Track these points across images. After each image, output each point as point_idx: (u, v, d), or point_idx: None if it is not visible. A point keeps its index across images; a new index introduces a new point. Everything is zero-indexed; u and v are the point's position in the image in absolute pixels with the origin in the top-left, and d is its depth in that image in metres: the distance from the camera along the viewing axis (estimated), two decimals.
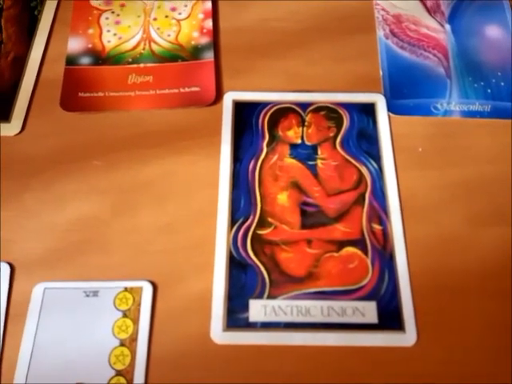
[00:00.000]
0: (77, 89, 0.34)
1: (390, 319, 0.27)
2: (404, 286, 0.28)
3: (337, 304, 0.27)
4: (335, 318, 0.27)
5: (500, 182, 0.31)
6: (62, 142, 0.32)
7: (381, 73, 0.35)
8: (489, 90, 0.35)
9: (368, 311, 0.27)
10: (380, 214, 0.30)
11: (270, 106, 0.34)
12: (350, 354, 0.26)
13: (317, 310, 0.27)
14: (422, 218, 0.30)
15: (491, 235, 0.29)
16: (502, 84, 0.35)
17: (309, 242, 0.29)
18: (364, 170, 0.32)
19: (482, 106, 0.34)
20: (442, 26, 0.38)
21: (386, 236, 0.29)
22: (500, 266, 0.28)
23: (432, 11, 0.39)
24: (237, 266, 0.28)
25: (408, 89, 0.35)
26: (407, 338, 0.26)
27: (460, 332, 0.27)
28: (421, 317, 0.27)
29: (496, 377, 0.26)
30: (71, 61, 0.35)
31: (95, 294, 0.27)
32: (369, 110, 0.34)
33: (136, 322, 0.26)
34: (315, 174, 0.31)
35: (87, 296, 0.27)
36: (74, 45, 0.36)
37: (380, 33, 0.37)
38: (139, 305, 0.27)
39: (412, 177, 0.31)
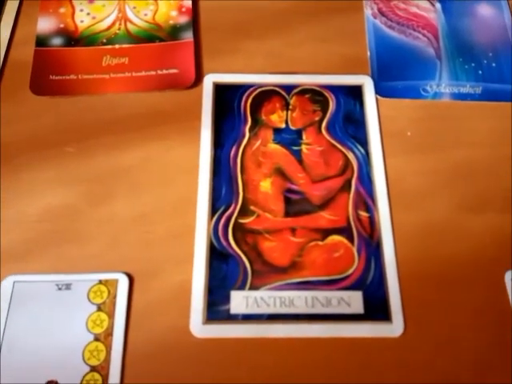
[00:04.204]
0: (48, 71, 0.33)
1: (376, 309, 0.26)
2: (391, 276, 0.27)
3: (321, 294, 0.26)
4: (320, 309, 0.26)
5: (491, 167, 0.30)
6: (32, 127, 0.31)
7: (368, 54, 0.34)
8: (480, 72, 0.34)
9: (354, 301, 0.26)
10: (367, 200, 0.29)
11: (252, 88, 0.33)
12: (335, 346, 0.25)
13: (301, 300, 0.26)
14: (410, 205, 0.29)
15: (481, 222, 0.29)
16: (494, 65, 0.34)
17: (293, 231, 0.28)
18: (350, 155, 0.31)
19: (473, 87, 0.33)
20: (433, 4, 0.37)
21: (372, 223, 0.28)
22: (490, 254, 0.28)
23: None
24: (218, 256, 0.27)
25: (396, 70, 0.34)
26: (394, 328, 0.26)
27: (447, 322, 0.26)
28: (408, 307, 0.26)
29: (483, 367, 0.25)
30: (41, 42, 0.34)
31: (68, 287, 0.26)
32: (356, 92, 0.33)
33: (111, 315, 0.26)
34: (300, 160, 0.30)
35: (59, 289, 0.26)
36: (45, 25, 0.35)
37: (368, 12, 0.36)
38: (114, 298, 0.26)
39: (400, 162, 0.30)
